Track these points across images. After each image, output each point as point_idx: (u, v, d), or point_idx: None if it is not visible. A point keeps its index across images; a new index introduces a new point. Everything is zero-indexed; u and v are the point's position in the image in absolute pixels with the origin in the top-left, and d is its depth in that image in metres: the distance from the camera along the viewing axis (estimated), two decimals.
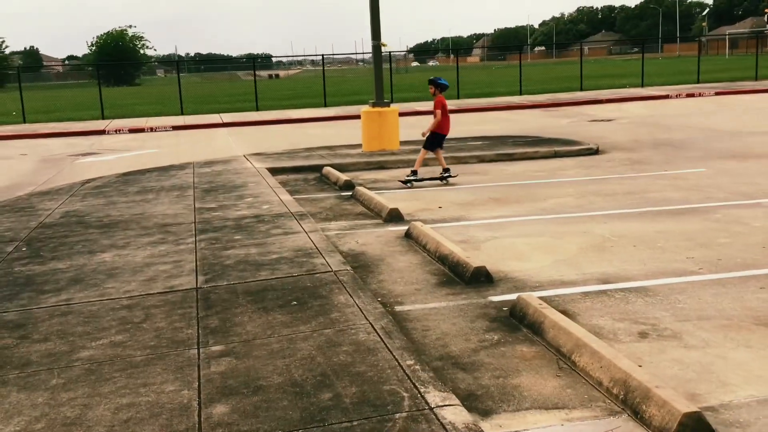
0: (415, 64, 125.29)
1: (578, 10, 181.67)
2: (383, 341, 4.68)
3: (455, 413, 3.69)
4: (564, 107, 26.57)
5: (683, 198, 9.56)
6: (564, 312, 5.38)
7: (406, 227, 8.39)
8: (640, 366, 4.35)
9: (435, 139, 11.48)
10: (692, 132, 16.92)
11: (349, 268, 6.48)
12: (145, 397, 4.04)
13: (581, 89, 33.37)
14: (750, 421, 3.80)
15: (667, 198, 9.61)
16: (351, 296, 5.62)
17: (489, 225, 8.59)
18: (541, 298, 5.51)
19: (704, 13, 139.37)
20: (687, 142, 15.14)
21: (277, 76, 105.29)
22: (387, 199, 9.77)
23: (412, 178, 11.61)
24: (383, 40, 15.72)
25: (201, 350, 4.71)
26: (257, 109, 30.81)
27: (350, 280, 6.06)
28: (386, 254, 7.52)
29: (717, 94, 28.72)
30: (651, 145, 14.95)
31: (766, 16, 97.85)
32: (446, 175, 11.65)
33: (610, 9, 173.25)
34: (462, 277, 6.43)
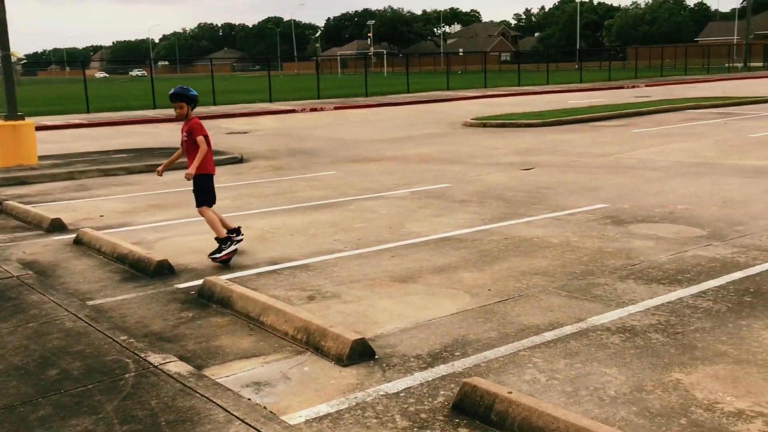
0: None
1: (199, 26, 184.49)
2: (92, 325, 5.12)
3: (178, 366, 4.39)
4: None
5: (324, 195, 11.14)
6: None
7: (72, 236, 8.54)
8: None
9: (207, 184, 7.51)
10: (320, 141, 19.09)
11: (31, 272, 6.61)
12: None
13: (214, 104, 34.63)
14: (396, 343, 5.14)
15: (311, 196, 11.10)
16: (44, 295, 5.86)
17: (156, 228, 9.14)
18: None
19: (317, 35, 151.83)
20: (317, 150, 17.13)
21: None
22: (45, 211, 9.69)
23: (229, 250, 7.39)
24: (13, 50, 15.04)
25: None
26: None
27: (37, 282, 6.25)
28: (60, 260, 7.67)
29: (336, 108, 32.16)
30: (287, 154, 16.61)
31: (369, 39, 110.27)
32: (238, 237, 7.63)
33: (230, 27, 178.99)
34: (145, 271, 6.97)
